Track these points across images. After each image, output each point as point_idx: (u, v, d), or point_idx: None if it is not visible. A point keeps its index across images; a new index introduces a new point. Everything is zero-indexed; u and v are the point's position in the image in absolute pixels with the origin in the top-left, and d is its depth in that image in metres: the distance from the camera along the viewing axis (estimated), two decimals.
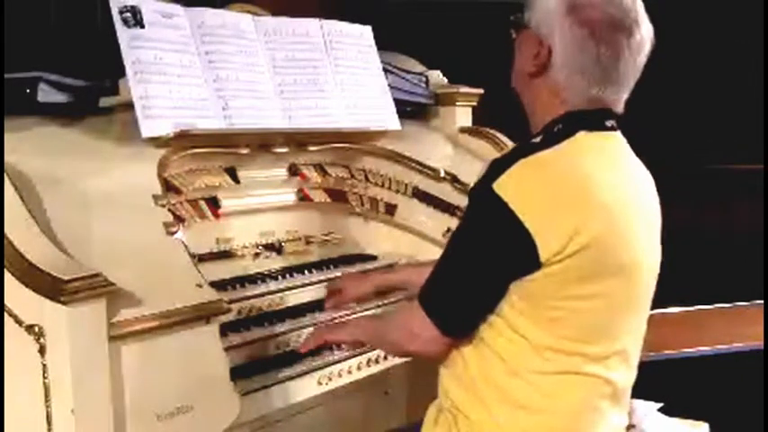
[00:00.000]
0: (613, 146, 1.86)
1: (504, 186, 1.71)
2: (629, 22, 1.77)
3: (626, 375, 1.88)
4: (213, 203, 2.27)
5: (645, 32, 1.79)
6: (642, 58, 1.80)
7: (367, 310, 2.44)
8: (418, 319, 1.83)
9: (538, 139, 1.81)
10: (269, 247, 2.45)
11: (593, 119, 1.82)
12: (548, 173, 1.74)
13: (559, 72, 1.79)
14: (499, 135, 3.00)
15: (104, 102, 2.20)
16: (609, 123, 1.84)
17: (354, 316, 2.37)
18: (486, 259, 1.76)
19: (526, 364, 1.77)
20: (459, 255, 1.82)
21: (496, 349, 1.80)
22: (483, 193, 1.74)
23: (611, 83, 1.79)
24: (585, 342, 1.78)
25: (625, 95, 1.84)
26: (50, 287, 1.62)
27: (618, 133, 1.87)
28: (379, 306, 2.48)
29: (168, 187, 2.13)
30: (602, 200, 1.74)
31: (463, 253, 1.81)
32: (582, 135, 1.79)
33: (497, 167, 1.74)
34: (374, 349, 2.34)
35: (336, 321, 2.31)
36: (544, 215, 1.70)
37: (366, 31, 2.82)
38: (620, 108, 1.84)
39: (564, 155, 1.77)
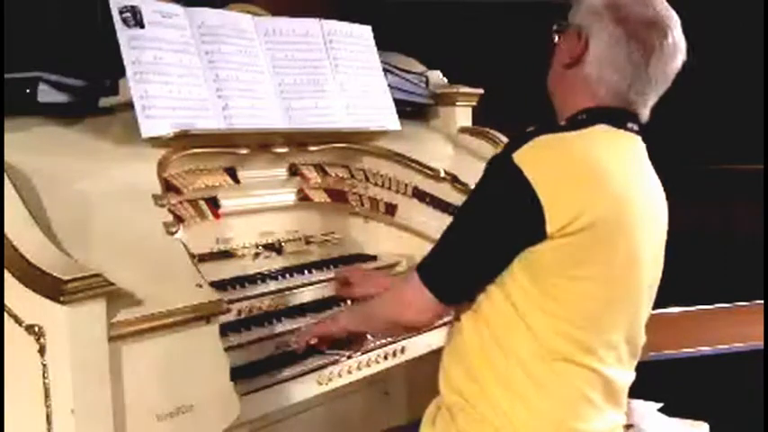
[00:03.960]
0: (630, 146, 1.91)
1: (523, 156, 1.76)
2: (664, 27, 1.84)
3: (620, 374, 1.89)
4: (213, 203, 2.27)
5: (678, 41, 1.86)
6: (673, 67, 1.87)
7: None
8: (412, 288, 1.86)
9: (561, 123, 1.89)
10: (269, 247, 2.45)
11: (617, 116, 1.88)
12: (564, 150, 1.81)
13: (592, 65, 1.86)
14: (499, 135, 3.00)
15: (104, 102, 2.20)
16: (630, 125, 1.89)
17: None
18: (495, 223, 1.80)
19: (522, 345, 1.80)
20: (468, 219, 1.86)
21: (496, 331, 1.82)
22: (501, 162, 1.79)
23: (640, 82, 1.85)
24: (578, 327, 1.79)
25: (652, 100, 1.90)
26: (50, 287, 1.62)
27: (638, 137, 1.92)
28: None
29: (168, 187, 2.13)
30: (610, 187, 1.79)
31: (473, 216, 1.85)
32: (602, 126, 1.85)
33: (518, 140, 1.80)
34: (368, 346, 2.32)
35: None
36: (556, 188, 1.74)
37: (366, 31, 2.82)
38: (645, 112, 1.90)
39: (582, 138, 1.83)
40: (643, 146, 1.94)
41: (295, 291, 2.40)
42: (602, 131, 1.85)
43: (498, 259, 1.80)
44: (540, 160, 1.77)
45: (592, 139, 1.84)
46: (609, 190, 1.78)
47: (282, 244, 2.49)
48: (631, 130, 1.89)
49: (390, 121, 2.77)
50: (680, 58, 1.87)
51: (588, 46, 1.86)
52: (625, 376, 1.92)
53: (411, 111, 3.01)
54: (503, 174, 1.78)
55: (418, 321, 1.94)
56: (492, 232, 1.80)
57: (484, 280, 1.83)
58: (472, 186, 1.90)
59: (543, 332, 1.79)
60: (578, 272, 1.77)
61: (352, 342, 2.18)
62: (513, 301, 1.79)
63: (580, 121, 1.86)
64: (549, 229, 1.73)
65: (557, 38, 1.96)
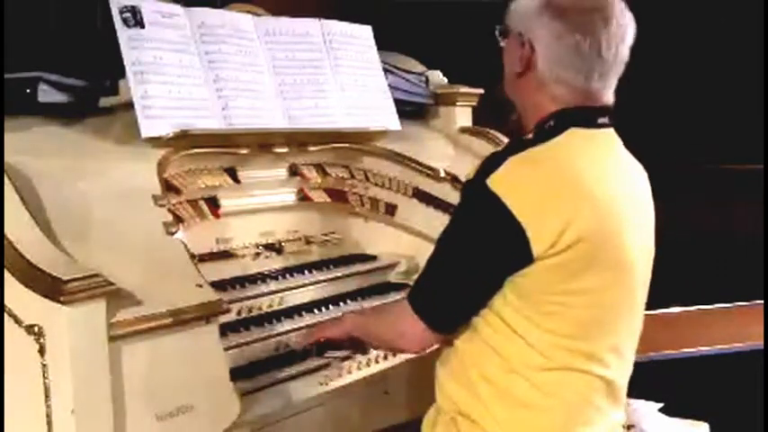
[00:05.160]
0: (604, 142, 1.87)
1: (498, 182, 1.72)
2: (604, 8, 1.78)
3: (621, 372, 1.89)
4: (213, 203, 2.27)
5: (623, 23, 1.80)
6: (626, 47, 1.82)
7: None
8: (407, 317, 1.85)
9: (530, 136, 1.83)
10: (269, 247, 2.45)
11: (585, 116, 1.83)
12: (539, 168, 1.76)
13: (544, 67, 1.81)
14: (499, 135, 3.00)
15: (104, 102, 2.20)
16: (601, 120, 1.86)
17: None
18: (480, 254, 1.77)
19: (522, 360, 1.78)
20: (451, 250, 1.83)
21: (493, 346, 1.81)
22: (476, 189, 1.75)
23: (595, 71, 1.79)
24: (579, 338, 1.78)
25: (613, 83, 1.85)
26: (50, 287, 1.62)
27: (610, 130, 1.89)
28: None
29: (168, 187, 2.13)
30: (592, 195, 1.76)
31: (456, 248, 1.82)
32: (573, 131, 1.81)
33: (490, 164, 1.76)
34: (370, 350, 2.33)
35: (330, 318, 2.31)
36: (536, 210, 1.71)
37: (366, 31, 2.82)
38: (609, 96, 1.85)
39: (554, 150, 1.78)
40: (616, 137, 1.90)
41: (295, 291, 2.40)
42: (573, 137, 1.80)
43: (488, 287, 1.78)
44: (516, 183, 1.73)
45: (565, 148, 1.79)
46: (591, 200, 1.75)
47: (282, 244, 2.49)
48: (603, 125, 1.85)
49: (390, 121, 2.77)
50: (629, 39, 1.81)
51: (534, 50, 1.81)
52: (625, 373, 1.91)
53: (411, 111, 3.01)
54: (480, 202, 1.74)
55: (414, 349, 1.96)
56: (478, 262, 1.77)
57: (476, 307, 1.81)
58: (464, 183, 1.88)
59: (543, 347, 1.77)
60: (571, 286, 1.75)
61: (355, 345, 2.19)
62: (506, 320, 1.78)
63: (548, 129, 1.81)
64: (535, 252, 1.71)
65: (502, 42, 1.91)
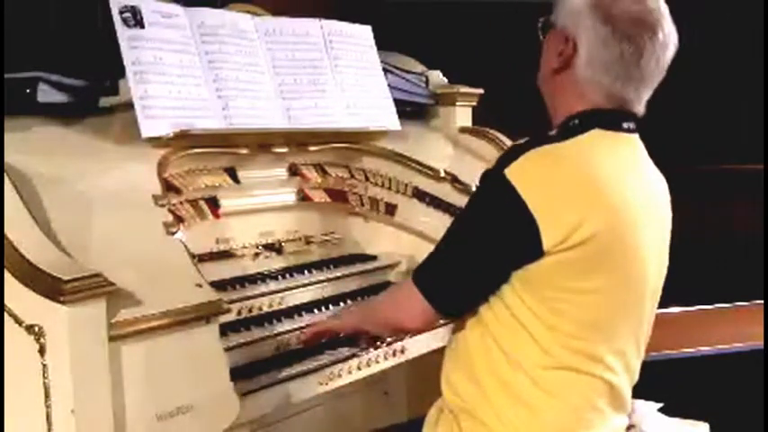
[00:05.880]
0: (626, 146, 1.87)
1: (516, 172, 1.73)
2: (653, 21, 1.79)
3: (625, 379, 1.88)
4: (213, 203, 2.27)
5: (668, 33, 1.81)
6: (666, 59, 1.82)
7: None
8: (413, 297, 1.85)
9: (554, 132, 1.84)
10: (269, 247, 2.45)
11: (611, 118, 1.84)
12: (557, 164, 1.77)
13: (583, 68, 1.81)
14: (499, 135, 3.00)
15: (104, 102, 2.20)
16: (626, 125, 1.86)
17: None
18: (489, 241, 1.78)
19: (528, 356, 1.79)
20: (461, 233, 1.84)
21: (500, 341, 1.81)
22: (494, 178, 1.77)
23: (633, 80, 1.81)
24: (582, 339, 1.78)
25: (646, 95, 1.85)
26: (50, 287, 1.62)
27: (635, 136, 1.89)
28: None
29: (168, 187, 2.13)
30: (607, 196, 1.76)
31: (466, 232, 1.83)
32: (596, 132, 1.82)
33: (511, 155, 1.78)
34: (370, 349, 2.33)
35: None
36: (550, 204, 1.72)
37: (366, 31, 2.82)
38: (640, 108, 1.86)
39: (575, 148, 1.79)
40: (640, 144, 1.91)
41: (295, 291, 2.40)
42: (596, 137, 1.81)
43: (494, 276, 1.79)
44: (534, 176, 1.74)
45: (586, 147, 1.80)
46: (607, 200, 1.75)
47: (282, 244, 2.49)
48: (627, 130, 1.86)
49: (390, 121, 2.77)
50: (671, 49, 1.82)
51: (576, 49, 1.81)
52: (629, 381, 1.91)
53: (411, 111, 3.01)
54: (496, 191, 1.76)
55: (413, 327, 1.98)
56: (487, 250, 1.78)
57: (480, 294, 1.82)
58: (472, 187, 1.90)
59: (548, 344, 1.77)
60: (579, 284, 1.75)
61: (361, 339, 2.19)
62: (514, 313, 1.78)
63: (572, 127, 1.82)
64: (545, 246, 1.71)
65: (542, 36, 1.91)
